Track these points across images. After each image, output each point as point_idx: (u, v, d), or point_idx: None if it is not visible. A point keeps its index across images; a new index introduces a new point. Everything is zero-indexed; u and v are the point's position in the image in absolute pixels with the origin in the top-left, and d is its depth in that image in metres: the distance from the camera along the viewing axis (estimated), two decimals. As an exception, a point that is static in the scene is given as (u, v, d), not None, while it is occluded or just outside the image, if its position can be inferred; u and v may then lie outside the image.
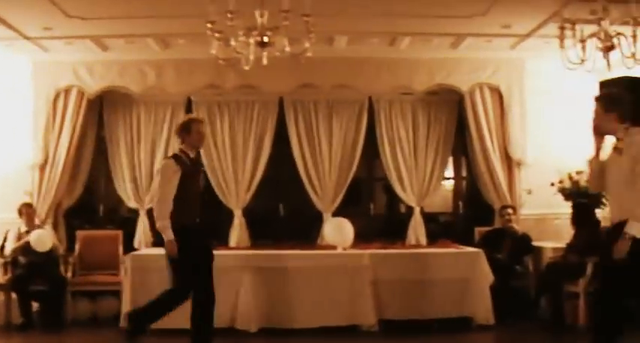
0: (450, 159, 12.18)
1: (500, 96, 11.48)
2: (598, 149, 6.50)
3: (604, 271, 6.50)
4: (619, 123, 6.33)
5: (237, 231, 11.29)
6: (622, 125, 6.33)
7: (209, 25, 7.43)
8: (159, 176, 7.78)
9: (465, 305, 9.48)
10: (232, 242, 11.23)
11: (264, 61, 7.66)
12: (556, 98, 11.44)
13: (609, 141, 6.46)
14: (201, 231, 7.83)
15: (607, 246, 6.25)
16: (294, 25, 7.28)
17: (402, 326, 9.37)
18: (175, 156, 7.75)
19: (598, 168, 6.52)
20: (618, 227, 6.19)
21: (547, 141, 11.35)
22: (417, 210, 11.53)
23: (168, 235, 7.51)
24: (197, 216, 7.80)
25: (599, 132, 6.44)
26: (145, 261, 9.48)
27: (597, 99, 6.54)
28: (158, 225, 7.60)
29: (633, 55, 7.74)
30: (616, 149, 6.41)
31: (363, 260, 9.43)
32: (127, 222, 11.74)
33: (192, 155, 7.84)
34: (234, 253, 10.10)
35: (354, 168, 11.56)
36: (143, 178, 11.41)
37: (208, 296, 7.69)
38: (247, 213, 11.44)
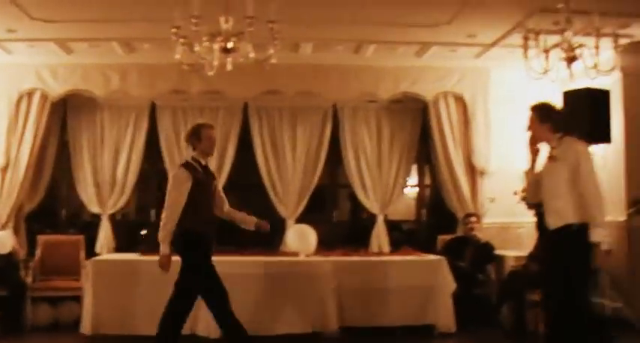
0: (414, 167, 12.22)
1: (465, 105, 11.56)
2: (533, 161, 6.80)
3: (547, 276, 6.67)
4: (553, 132, 6.60)
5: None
6: (556, 134, 6.59)
7: (174, 30, 7.40)
8: (170, 184, 7.53)
9: (427, 312, 9.49)
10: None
11: (229, 67, 7.66)
12: (520, 107, 11.38)
13: (544, 153, 6.70)
14: (211, 239, 7.69)
15: (546, 252, 6.46)
16: (259, 31, 7.28)
17: (364, 333, 9.36)
18: (187, 164, 7.56)
19: (534, 179, 6.82)
20: (557, 233, 6.40)
21: (510, 150, 11.40)
22: (380, 218, 11.56)
23: (164, 249, 7.37)
24: (209, 225, 7.66)
25: (535, 141, 6.71)
26: (107, 267, 9.40)
27: (533, 109, 6.81)
28: (160, 235, 7.40)
29: (596, 65, 7.83)
30: (551, 157, 6.67)
31: (326, 268, 9.42)
32: (89, 226, 11.66)
33: (203, 162, 7.67)
34: None
35: (318, 174, 11.59)
36: (106, 183, 11.33)
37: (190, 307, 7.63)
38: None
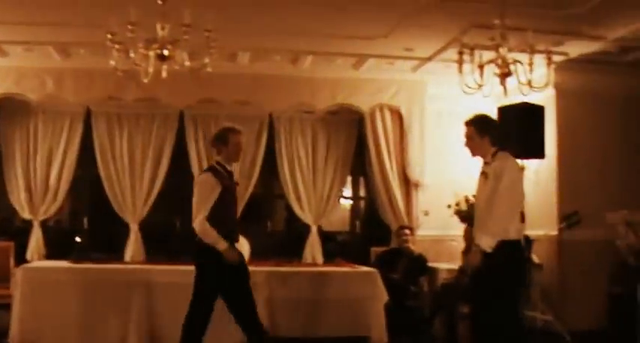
0: (349, 179, 12.25)
1: (401, 118, 11.64)
2: None
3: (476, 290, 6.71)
4: (490, 146, 6.65)
5: (133, 245, 11.12)
6: (492, 148, 6.63)
7: (109, 36, 7.32)
8: (197, 189, 7.26)
9: (359, 324, 9.47)
10: (127, 256, 11.05)
11: (164, 74, 7.59)
12: (455, 121, 11.54)
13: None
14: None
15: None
16: (196, 39, 7.25)
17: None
18: (213, 169, 7.33)
19: None
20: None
21: (445, 163, 11.53)
22: (314, 229, 11.55)
23: (222, 244, 7.12)
24: (233, 233, 7.39)
25: (473, 155, 6.76)
26: (37, 274, 9.22)
27: (471, 122, 6.83)
28: (206, 241, 7.13)
29: (529, 81, 7.92)
30: (483, 173, 6.69)
31: (258, 278, 9.33)
32: (20, 233, 11.43)
33: (229, 168, 7.45)
34: (129, 267, 9.91)
35: (253, 184, 11.54)
36: (38, 189, 11.16)
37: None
38: (144, 227, 11.30)
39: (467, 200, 10.89)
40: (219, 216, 7.17)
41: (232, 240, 7.31)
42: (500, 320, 6.52)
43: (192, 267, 9.56)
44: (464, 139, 6.98)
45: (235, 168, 11.15)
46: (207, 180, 7.19)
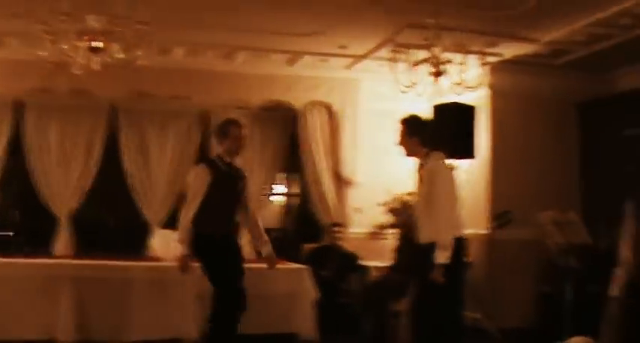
0: (282, 176, 12.23)
1: (334, 116, 11.63)
2: None
3: (419, 290, 6.72)
4: (421, 147, 6.64)
5: (63, 240, 10.92)
6: (423, 149, 6.63)
7: (40, 26, 7.21)
8: (187, 181, 7.32)
9: (289, 320, 9.47)
10: (57, 250, 10.86)
11: (96, 67, 7.50)
12: (389, 120, 11.60)
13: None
14: (228, 241, 7.50)
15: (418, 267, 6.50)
16: (129, 32, 7.18)
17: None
18: (208, 161, 7.35)
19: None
20: (423, 250, 6.47)
21: (378, 161, 11.56)
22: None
23: (182, 249, 7.26)
24: (227, 227, 7.41)
25: (407, 155, 6.76)
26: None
27: (402, 122, 6.85)
28: (177, 237, 7.21)
29: (462, 81, 7.97)
30: (419, 175, 6.71)
31: (188, 274, 9.28)
32: None
33: (228, 160, 7.40)
34: (57, 262, 9.73)
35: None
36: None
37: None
38: (74, 221, 11.10)
39: (399, 198, 10.95)
40: (212, 206, 7.15)
41: (224, 234, 7.36)
42: (441, 320, 6.55)
43: (122, 262, 9.52)
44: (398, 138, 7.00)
45: (168, 162, 11.15)
46: (196, 171, 7.25)
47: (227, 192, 7.33)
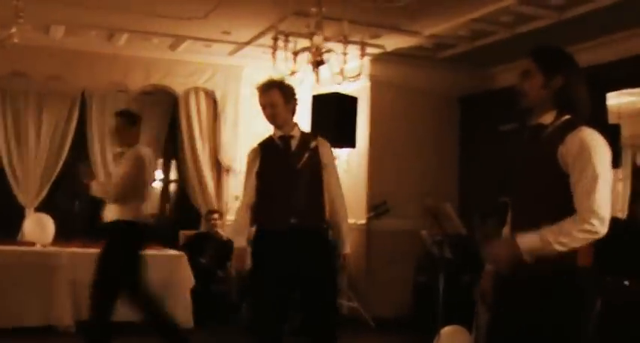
0: (160, 161, 12.09)
1: (215, 102, 11.55)
2: None
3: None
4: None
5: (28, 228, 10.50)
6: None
7: None
8: None
9: (166, 307, 9.36)
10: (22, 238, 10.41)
11: (-33, 44, 7.27)
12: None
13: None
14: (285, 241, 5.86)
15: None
16: (4, 8, 6.97)
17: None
18: (262, 141, 6.18)
19: None
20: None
21: (258, 149, 11.53)
22: (121, 210, 11.31)
23: (237, 242, 6.01)
24: (285, 214, 5.84)
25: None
26: None
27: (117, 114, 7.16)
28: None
29: (342, 71, 7.99)
30: None
31: (63, 259, 9.10)
32: None
33: (279, 133, 6.04)
34: (21, 249, 9.44)
35: (62, 163, 11.18)
36: None
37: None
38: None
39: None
40: (266, 194, 6.00)
41: (287, 223, 5.84)
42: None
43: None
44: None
45: (44, 144, 10.88)
46: (248, 153, 6.22)
47: (279, 172, 6.05)
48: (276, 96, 5.94)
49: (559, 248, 3.51)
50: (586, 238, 3.53)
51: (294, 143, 6.01)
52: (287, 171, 5.96)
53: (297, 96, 6.10)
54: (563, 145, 3.60)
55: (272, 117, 5.99)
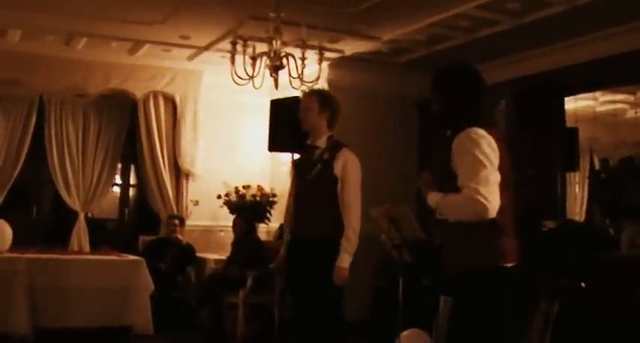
0: (119, 166, 12.05)
1: (175, 107, 11.53)
2: None
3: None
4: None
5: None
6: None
7: None
8: None
9: (124, 313, 9.31)
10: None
11: None
12: (229, 113, 11.69)
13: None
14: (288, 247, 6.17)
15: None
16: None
17: (58, 334, 9.04)
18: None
19: None
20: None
21: (217, 154, 11.58)
22: (81, 216, 11.29)
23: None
24: (290, 227, 6.13)
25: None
26: None
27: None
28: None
29: (300, 76, 8.01)
30: None
31: (20, 266, 9.01)
32: None
33: (308, 141, 6.16)
34: None
35: (19, 168, 11.05)
36: None
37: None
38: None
39: (237, 191, 11.00)
40: (290, 202, 6.21)
41: (290, 233, 6.14)
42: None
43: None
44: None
45: (1, 151, 10.78)
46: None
47: (299, 181, 6.17)
48: (312, 102, 6.16)
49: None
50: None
51: (317, 153, 6.06)
52: (300, 180, 6.10)
53: (336, 109, 6.31)
54: None
55: (302, 120, 6.15)
